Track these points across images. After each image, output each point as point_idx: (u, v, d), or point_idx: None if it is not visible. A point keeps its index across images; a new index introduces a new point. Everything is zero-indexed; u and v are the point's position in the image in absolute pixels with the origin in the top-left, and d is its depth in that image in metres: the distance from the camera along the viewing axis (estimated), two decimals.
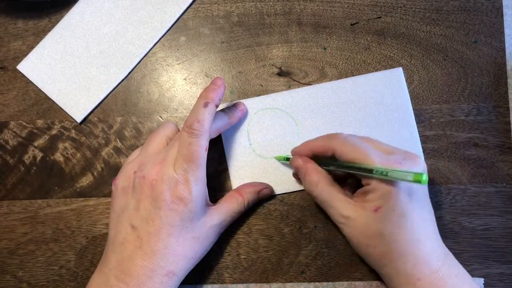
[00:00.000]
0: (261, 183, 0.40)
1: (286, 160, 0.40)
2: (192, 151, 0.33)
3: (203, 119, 0.34)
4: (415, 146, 0.40)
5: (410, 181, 0.29)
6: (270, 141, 0.41)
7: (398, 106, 0.41)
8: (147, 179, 0.34)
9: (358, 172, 0.33)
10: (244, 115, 0.41)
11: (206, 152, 0.34)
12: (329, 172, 0.37)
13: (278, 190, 0.40)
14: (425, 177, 0.29)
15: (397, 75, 0.41)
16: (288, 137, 0.41)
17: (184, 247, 0.34)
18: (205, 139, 0.34)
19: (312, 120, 0.41)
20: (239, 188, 0.39)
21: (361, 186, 0.35)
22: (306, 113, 0.41)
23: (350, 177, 0.38)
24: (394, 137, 0.40)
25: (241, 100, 0.41)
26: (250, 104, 0.41)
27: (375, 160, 0.33)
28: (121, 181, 0.36)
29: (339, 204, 0.35)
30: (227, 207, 0.37)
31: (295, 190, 0.40)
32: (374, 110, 0.41)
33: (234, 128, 0.41)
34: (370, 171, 0.32)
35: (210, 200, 0.37)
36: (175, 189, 0.33)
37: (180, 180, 0.33)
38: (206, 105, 0.35)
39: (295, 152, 0.38)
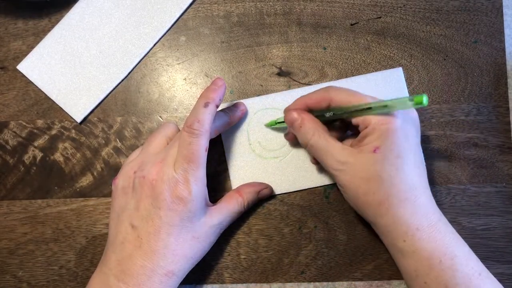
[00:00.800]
0: (261, 183, 0.40)
1: (278, 124, 0.39)
2: (192, 151, 0.33)
3: (203, 119, 0.34)
4: None
5: (411, 105, 0.30)
6: (270, 141, 0.41)
7: None
8: (147, 179, 0.34)
9: (357, 112, 0.33)
10: (244, 115, 0.41)
11: (206, 152, 0.34)
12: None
13: (278, 190, 0.40)
14: (425, 98, 0.29)
15: (397, 75, 0.41)
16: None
17: (183, 247, 0.34)
18: (205, 139, 0.34)
19: None
20: (239, 188, 0.39)
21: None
22: None
23: (344, 138, 0.38)
24: None
25: (241, 100, 0.41)
26: (250, 104, 0.41)
27: (371, 101, 0.33)
28: (121, 181, 0.36)
29: (336, 150, 0.34)
30: (227, 207, 0.37)
31: (295, 190, 0.40)
32: None
33: (234, 128, 0.41)
34: (369, 109, 0.33)
35: (210, 200, 0.37)
36: (175, 189, 0.33)
37: (180, 180, 0.33)
38: (206, 105, 0.35)
39: (288, 108, 0.38)
